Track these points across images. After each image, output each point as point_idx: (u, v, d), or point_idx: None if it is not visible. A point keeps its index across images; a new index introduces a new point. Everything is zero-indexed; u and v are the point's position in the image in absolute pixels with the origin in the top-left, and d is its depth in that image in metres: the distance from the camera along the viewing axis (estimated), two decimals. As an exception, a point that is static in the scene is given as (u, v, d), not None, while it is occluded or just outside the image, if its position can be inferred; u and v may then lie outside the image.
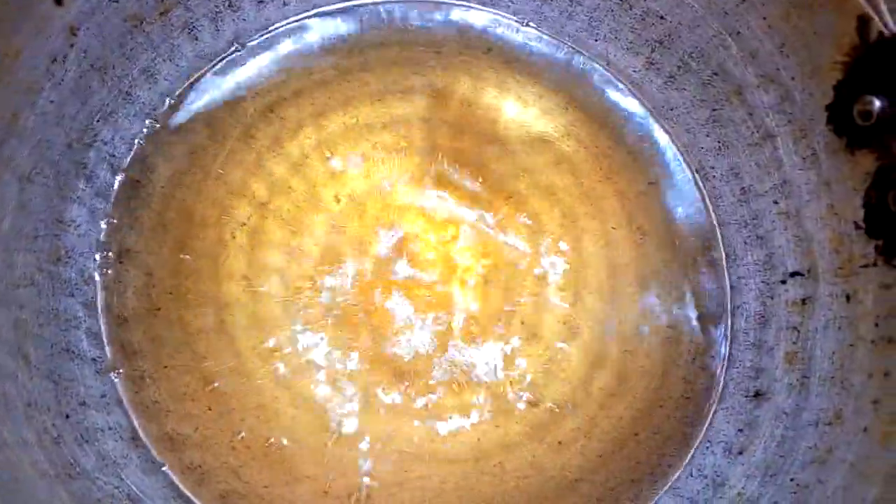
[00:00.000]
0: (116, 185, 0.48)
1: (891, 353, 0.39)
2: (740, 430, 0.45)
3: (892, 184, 0.41)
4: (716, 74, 0.49)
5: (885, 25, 0.42)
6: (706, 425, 0.46)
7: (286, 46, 0.52)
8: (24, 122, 0.41)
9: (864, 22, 0.42)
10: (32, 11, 0.40)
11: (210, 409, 0.46)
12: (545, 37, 0.53)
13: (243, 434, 0.46)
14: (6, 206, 0.40)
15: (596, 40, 0.53)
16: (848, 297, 0.42)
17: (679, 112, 0.52)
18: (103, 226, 0.47)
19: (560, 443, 0.47)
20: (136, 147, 0.48)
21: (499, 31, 0.53)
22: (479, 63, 0.53)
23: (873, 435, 0.38)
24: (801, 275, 0.45)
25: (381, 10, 0.53)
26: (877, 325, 0.40)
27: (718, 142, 0.50)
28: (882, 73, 0.41)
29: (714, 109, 0.50)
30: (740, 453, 0.44)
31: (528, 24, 0.53)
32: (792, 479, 0.40)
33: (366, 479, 0.46)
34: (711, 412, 0.46)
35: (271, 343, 0.48)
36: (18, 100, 0.41)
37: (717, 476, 0.44)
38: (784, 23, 0.45)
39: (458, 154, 0.51)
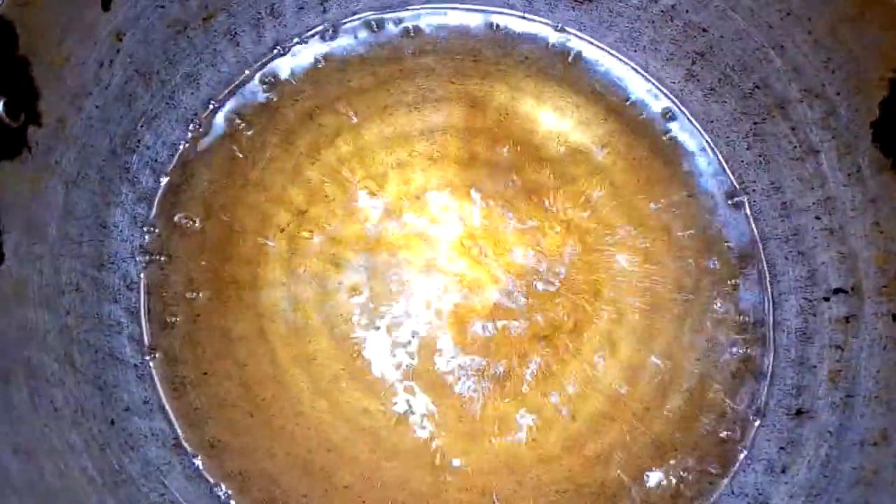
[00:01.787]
0: (159, 191, 0.48)
1: (939, 375, 0.38)
2: (782, 448, 0.44)
3: (942, 203, 0.40)
4: (758, 88, 0.49)
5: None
6: (748, 443, 0.45)
7: (325, 54, 0.51)
8: (71, 128, 0.41)
9: (913, 38, 0.42)
10: (80, 17, 0.40)
11: (251, 416, 0.46)
12: (584, 46, 0.53)
13: (282, 442, 0.46)
14: (53, 212, 0.41)
15: (636, 51, 0.52)
16: (894, 317, 0.42)
17: (719, 125, 0.51)
18: (145, 231, 0.47)
19: (598, 456, 0.47)
20: (178, 152, 0.48)
21: (537, 40, 0.53)
22: (517, 72, 0.53)
23: (922, 457, 0.38)
24: (845, 292, 0.45)
25: (420, 17, 0.52)
26: (924, 345, 0.40)
27: (760, 155, 0.50)
28: (931, 92, 0.41)
29: (755, 123, 0.50)
30: (783, 472, 0.43)
31: (565, 31, 0.53)
32: (838, 500, 0.40)
33: (402, 492, 0.46)
34: (753, 430, 0.45)
35: (310, 351, 0.47)
36: (66, 105, 0.41)
37: (760, 495, 0.44)
38: (830, 37, 0.45)
39: (493, 164, 0.51)
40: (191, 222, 0.48)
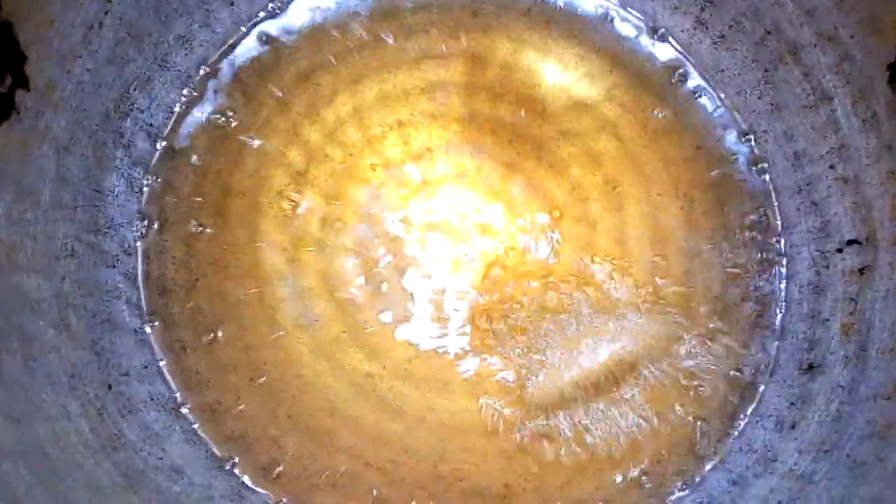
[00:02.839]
0: (155, 154, 0.47)
1: (956, 325, 0.37)
2: (792, 405, 0.43)
3: (960, 147, 0.38)
4: (769, 34, 0.47)
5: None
6: (757, 399, 0.44)
7: (322, 10, 0.50)
8: (61, 93, 0.41)
9: (932, -26, 0.39)
10: (66, -22, 0.40)
11: (251, 381, 0.46)
12: (588, -4, 0.51)
13: (283, 405, 0.46)
14: (46, 178, 0.40)
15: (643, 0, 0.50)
16: (910, 267, 0.40)
17: (730, 73, 0.49)
18: (142, 195, 0.47)
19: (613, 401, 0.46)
20: (173, 115, 0.48)
21: (539, -9, 0.51)
22: (518, 25, 0.51)
23: (937, 410, 0.36)
24: (859, 243, 0.43)
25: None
26: (941, 295, 0.38)
27: (771, 104, 0.48)
28: (951, 29, 0.39)
29: (767, 70, 0.48)
30: (792, 428, 0.42)
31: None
32: (848, 456, 0.39)
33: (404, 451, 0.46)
34: (762, 385, 0.44)
35: (312, 314, 0.47)
36: (54, 70, 0.40)
37: (768, 451, 0.43)
38: (843, -23, 0.43)
39: (497, 120, 0.50)
40: (188, 186, 0.48)
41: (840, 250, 0.44)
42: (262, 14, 0.49)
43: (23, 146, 0.39)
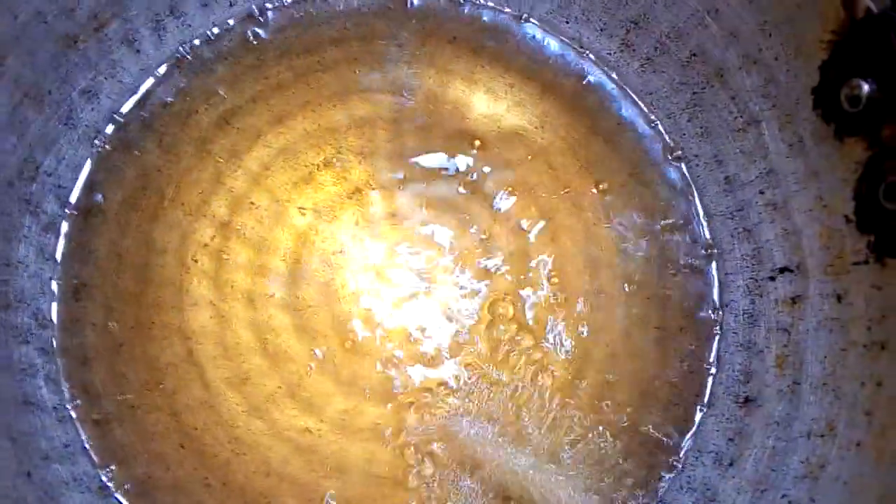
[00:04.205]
0: (67, 218, 0.45)
1: (883, 361, 0.37)
2: (731, 440, 0.43)
3: (883, 175, 0.38)
4: (695, 55, 0.46)
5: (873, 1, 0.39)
6: (693, 432, 0.44)
7: (237, 50, 0.48)
8: (-45, 168, 0.39)
9: (850, -3, 0.39)
10: (-49, 45, 0.38)
11: (183, 448, 0.45)
12: (513, 22, 0.49)
13: (217, 471, 0.44)
14: (-57, 261, 0.38)
15: (567, 22, 0.49)
16: (839, 297, 0.40)
17: (658, 96, 0.49)
18: (55, 262, 0.45)
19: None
20: (83, 174, 0.46)
21: (464, 18, 0.49)
22: (444, 54, 0.50)
23: (866, 450, 0.36)
24: (791, 271, 0.43)
25: (337, 2, 0.49)
26: (869, 328, 0.38)
27: (701, 127, 0.47)
28: (870, 54, 0.38)
29: (695, 93, 0.47)
30: (731, 465, 0.42)
31: (493, 7, 0.49)
32: (783, 496, 0.39)
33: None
34: (698, 419, 0.44)
35: (244, 370, 0.46)
36: (-54, 144, 0.38)
37: (708, 490, 0.43)
38: (765, -2, 0.42)
39: (428, 156, 0.49)
40: (106, 247, 0.46)
41: (773, 278, 0.44)
42: (172, 59, 0.47)
43: (-84, 229, 0.37)
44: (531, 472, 0.45)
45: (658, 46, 0.47)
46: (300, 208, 0.48)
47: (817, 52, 0.40)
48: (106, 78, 0.46)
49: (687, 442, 0.45)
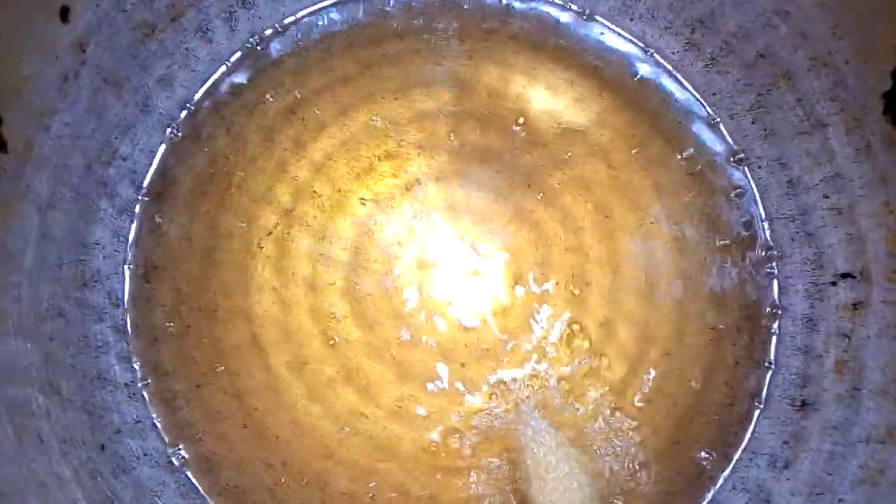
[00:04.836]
0: (140, 201, 0.47)
1: (949, 371, 0.36)
2: (786, 443, 0.43)
3: (954, 184, 0.38)
4: (762, 57, 0.46)
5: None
6: (748, 434, 0.44)
7: (305, 42, 0.49)
8: (40, 149, 0.40)
9: (927, 2, 0.38)
10: (38, 32, 0.39)
11: (245, 428, 0.46)
12: (576, 17, 0.50)
13: (277, 452, 0.46)
14: (28, 239, 0.40)
15: (631, 20, 0.49)
16: (904, 305, 0.40)
17: (722, 96, 0.48)
18: (128, 244, 0.47)
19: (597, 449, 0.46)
20: (157, 159, 0.47)
21: (526, 13, 0.50)
22: (505, 49, 0.50)
23: (928, 459, 0.36)
24: (853, 277, 0.42)
25: (402, -4, 0.50)
26: (934, 337, 0.38)
27: (765, 129, 0.47)
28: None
29: (760, 94, 0.47)
30: (786, 467, 0.42)
31: (555, 3, 0.50)
32: (840, 500, 0.39)
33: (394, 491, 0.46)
34: (754, 420, 0.44)
35: (303, 355, 0.47)
36: (32, 127, 0.40)
37: (761, 491, 0.43)
38: (837, 1, 0.41)
39: (485, 150, 0.49)
40: (176, 231, 0.47)
41: (834, 283, 0.43)
42: (243, 49, 0.48)
43: (3, 209, 0.38)
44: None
45: (724, 46, 0.47)
46: (361, 199, 0.49)
47: (889, 56, 0.40)
48: (180, 67, 0.47)
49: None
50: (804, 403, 0.43)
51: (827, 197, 0.44)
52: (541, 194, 0.49)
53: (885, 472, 0.37)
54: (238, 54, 0.49)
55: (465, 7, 0.50)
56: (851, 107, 0.42)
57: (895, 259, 0.40)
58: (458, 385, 0.47)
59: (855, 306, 0.42)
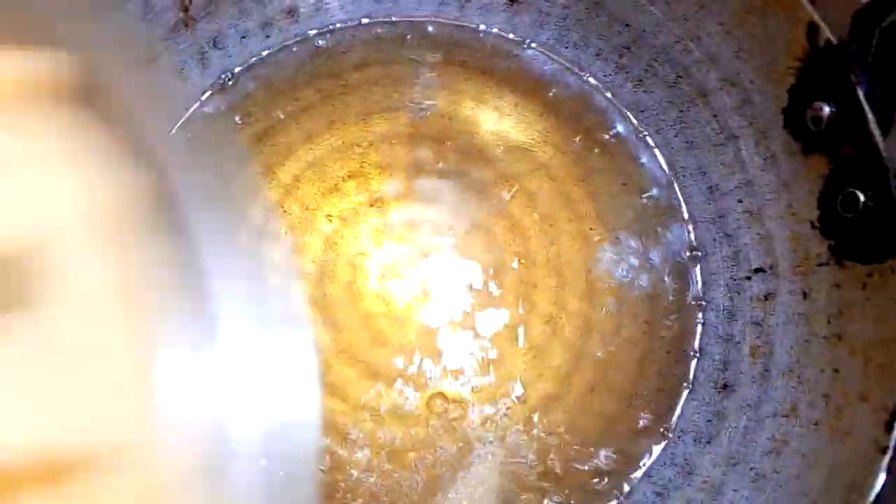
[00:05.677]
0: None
1: (840, 350, 0.42)
2: (709, 421, 0.48)
3: (840, 189, 0.43)
4: (680, 77, 0.51)
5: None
6: (677, 414, 0.49)
7: (271, 76, 0.55)
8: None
9: (813, 28, 0.44)
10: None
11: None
12: (517, 47, 0.55)
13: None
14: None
15: (566, 48, 0.55)
16: (805, 294, 0.45)
17: (649, 113, 0.54)
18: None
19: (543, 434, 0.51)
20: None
21: (473, 44, 0.55)
22: (457, 76, 0.55)
23: (822, 428, 0.41)
24: (764, 271, 0.48)
25: (357, 31, 0.55)
26: (829, 322, 0.43)
27: (687, 141, 0.52)
28: (830, 80, 0.43)
29: (681, 111, 0.52)
30: (709, 443, 0.47)
31: (498, 34, 0.55)
32: (752, 469, 0.44)
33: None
34: (681, 403, 0.49)
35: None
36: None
37: (688, 464, 0.48)
38: (739, 28, 0.47)
39: (439, 168, 0.54)
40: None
41: (749, 278, 0.49)
42: (214, 86, 0.53)
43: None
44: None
45: (648, 69, 0.52)
46: (328, 215, 0.54)
47: (786, 77, 0.46)
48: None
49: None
50: (725, 386, 0.48)
51: (741, 201, 0.49)
52: (492, 206, 0.54)
53: (788, 442, 0.43)
54: (210, 90, 0.54)
55: (419, 42, 0.55)
56: (758, 121, 0.48)
57: (797, 255, 0.46)
58: (414, 375, 0.52)
59: (766, 297, 0.47)
